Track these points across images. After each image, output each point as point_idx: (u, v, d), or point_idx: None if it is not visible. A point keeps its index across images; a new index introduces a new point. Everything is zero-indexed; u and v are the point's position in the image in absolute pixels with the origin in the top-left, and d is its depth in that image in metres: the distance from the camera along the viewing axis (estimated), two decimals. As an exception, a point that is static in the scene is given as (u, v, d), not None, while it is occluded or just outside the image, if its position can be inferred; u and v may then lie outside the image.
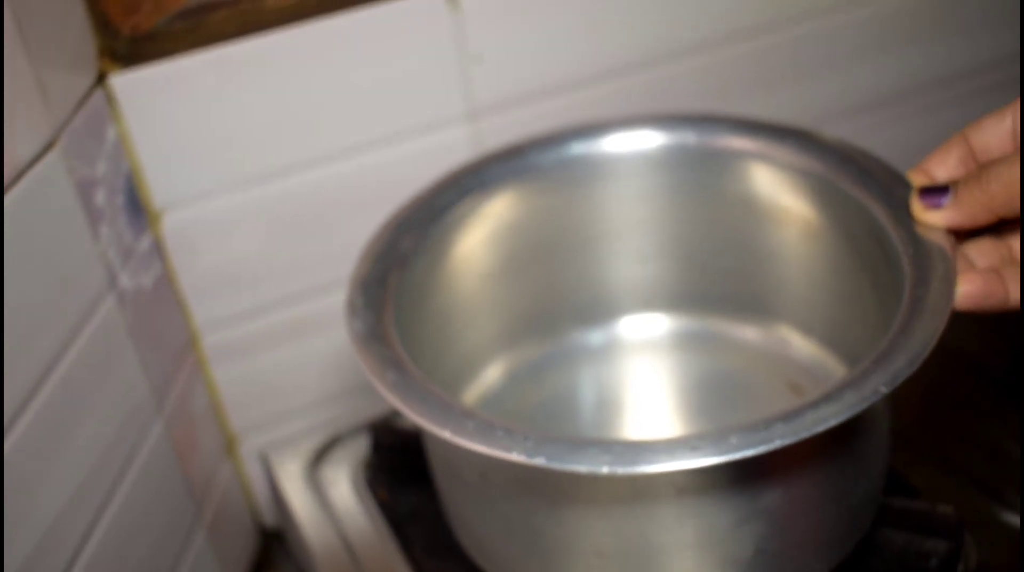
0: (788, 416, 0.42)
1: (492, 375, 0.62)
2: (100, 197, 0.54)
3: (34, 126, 0.48)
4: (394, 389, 0.47)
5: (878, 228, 0.52)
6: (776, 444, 0.41)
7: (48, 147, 0.49)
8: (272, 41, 0.58)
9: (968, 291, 0.46)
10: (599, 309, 0.64)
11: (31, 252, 0.47)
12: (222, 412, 0.66)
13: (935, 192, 0.48)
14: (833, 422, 0.42)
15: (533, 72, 0.64)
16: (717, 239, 0.61)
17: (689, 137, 0.59)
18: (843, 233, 0.56)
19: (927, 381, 0.49)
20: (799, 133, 0.57)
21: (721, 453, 0.41)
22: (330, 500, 0.64)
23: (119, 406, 0.54)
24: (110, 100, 0.55)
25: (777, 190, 0.58)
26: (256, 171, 0.60)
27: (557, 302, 0.63)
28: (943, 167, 0.50)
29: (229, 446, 0.67)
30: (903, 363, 0.44)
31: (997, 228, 0.49)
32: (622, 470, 0.42)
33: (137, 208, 0.58)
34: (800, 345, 0.61)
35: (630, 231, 0.62)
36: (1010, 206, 0.46)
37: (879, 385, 0.43)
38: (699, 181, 0.60)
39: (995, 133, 0.48)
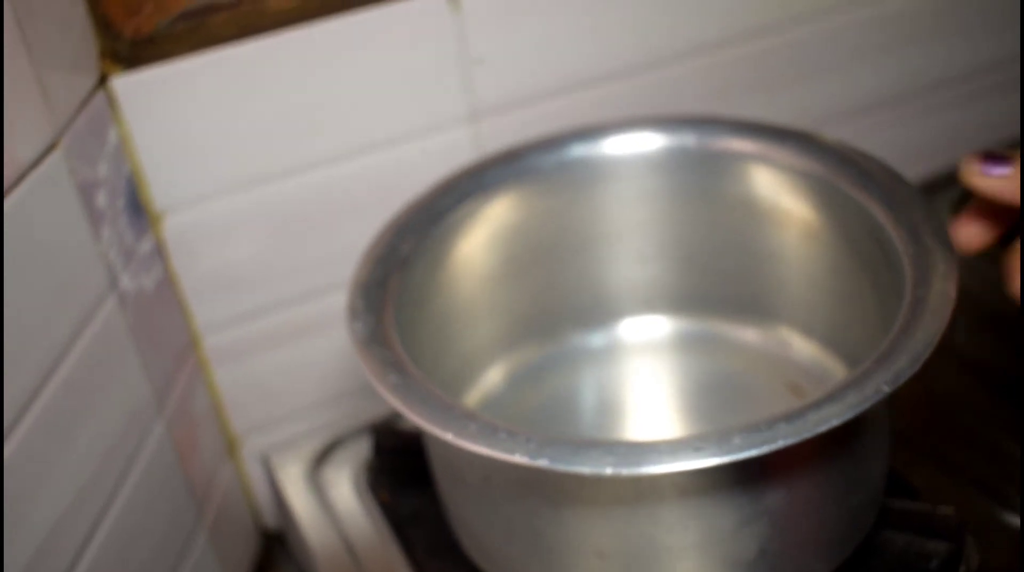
0: (791, 416, 0.42)
1: (492, 377, 0.62)
2: (101, 199, 0.54)
3: (36, 128, 0.48)
4: (396, 391, 0.47)
5: (878, 229, 0.52)
6: (779, 444, 0.41)
7: (50, 149, 0.49)
8: (273, 43, 0.58)
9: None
10: (599, 311, 0.64)
11: (32, 254, 0.47)
12: (223, 414, 0.66)
13: (996, 159, 0.49)
14: (835, 422, 0.42)
15: (534, 73, 0.64)
16: (717, 241, 0.62)
17: (689, 139, 0.59)
18: (843, 234, 0.56)
19: (927, 381, 0.49)
20: (799, 135, 0.57)
21: (725, 453, 0.41)
22: (331, 502, 0.63)
23: (120, 408, 0.54)
24: (111, 102, 0.55)
25: (777, 192, 0.58)
26: (257, 173, 0.60)
27: (558, 304, 0.63)
28: None
29: (230, 448, 0.67)
30: (905, 363, 0.44)
31: None
32: (626, 471, 0.42)
33: (138, 210, 0.58)
34: (800, 346, 0.61)
35: (630, 233, 0.62)
36: None
37: (881, 385, 0.43)
38: (699, 183, 0.60)
39: None
